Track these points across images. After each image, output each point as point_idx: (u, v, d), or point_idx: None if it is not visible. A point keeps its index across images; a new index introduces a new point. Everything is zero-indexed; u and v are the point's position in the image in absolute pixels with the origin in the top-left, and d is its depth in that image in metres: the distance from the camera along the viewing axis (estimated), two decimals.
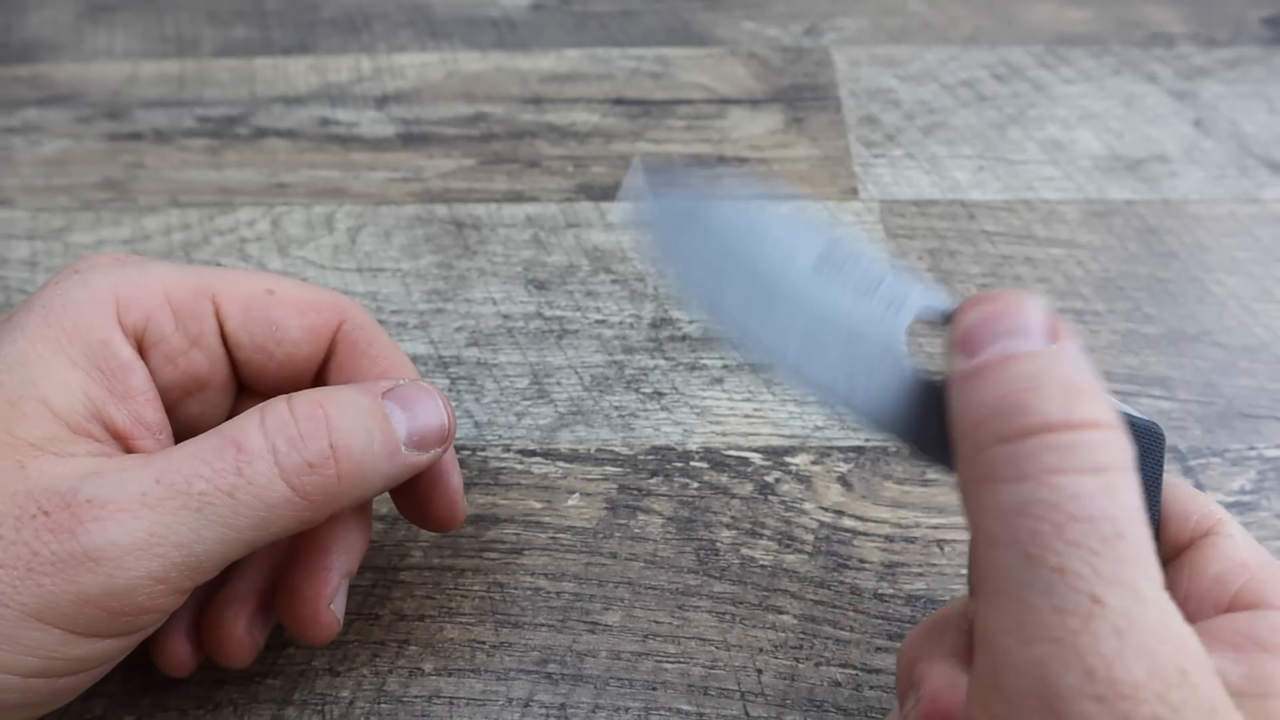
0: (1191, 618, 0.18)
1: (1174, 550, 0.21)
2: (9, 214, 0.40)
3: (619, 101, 0.43)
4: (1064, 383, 0.16)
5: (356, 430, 0.23)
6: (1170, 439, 0.33)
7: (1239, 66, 0.44)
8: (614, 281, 0.37)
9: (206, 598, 0.26)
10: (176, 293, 0.25)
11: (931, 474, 0.32)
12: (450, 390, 0.34)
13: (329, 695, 0.28)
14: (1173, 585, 0.20)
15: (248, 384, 0.27)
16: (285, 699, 0.28)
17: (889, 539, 0.31)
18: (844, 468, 0.32)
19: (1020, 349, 0.17)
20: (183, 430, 0.25)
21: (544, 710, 0.28)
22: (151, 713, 0.28)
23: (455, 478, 0.27)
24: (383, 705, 0.28)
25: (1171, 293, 0.36)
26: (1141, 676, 0.15)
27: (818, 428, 0.33)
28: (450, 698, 0.28)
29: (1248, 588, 0.19)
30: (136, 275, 0.25)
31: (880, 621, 0.29)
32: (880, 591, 0.30)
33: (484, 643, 0.29)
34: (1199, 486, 0.32)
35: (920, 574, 0.30)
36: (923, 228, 0.38)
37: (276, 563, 0.27)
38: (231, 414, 0.27)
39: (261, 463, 0.21)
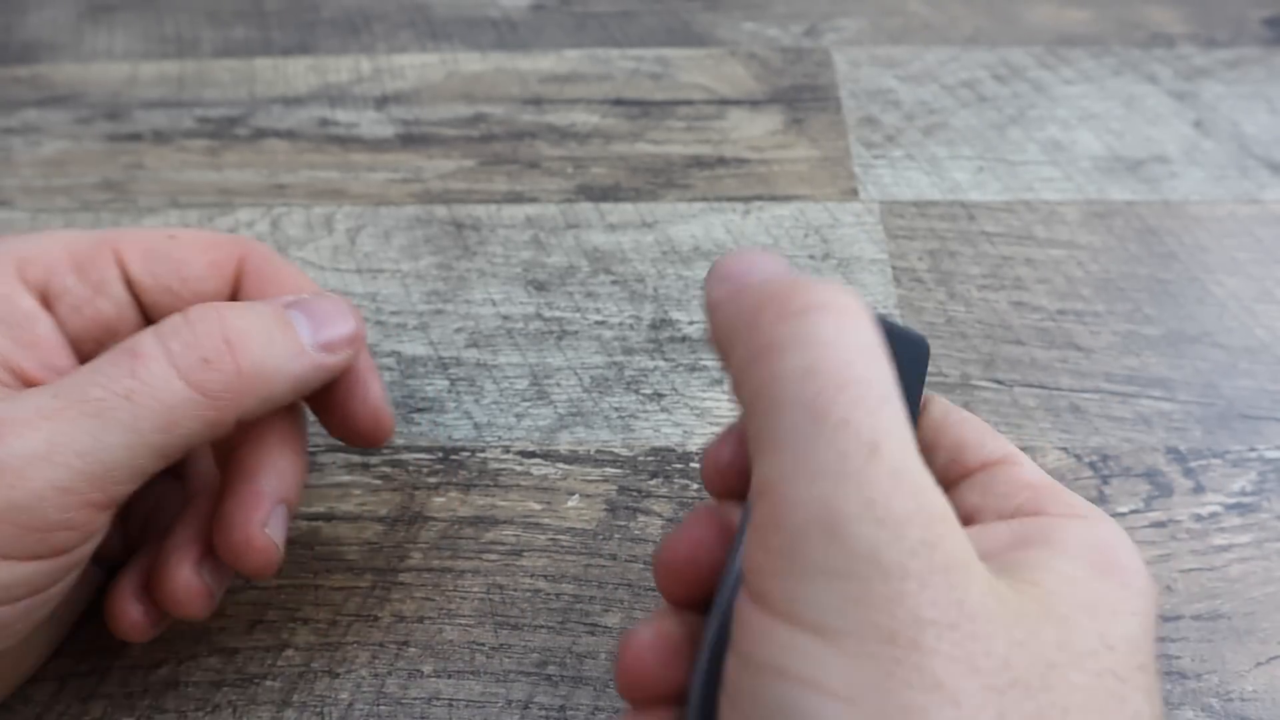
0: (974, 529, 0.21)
1: (965, 473, 0.23)
2: (8, 215, 0.40)
3: (619, 102, 0.43)
4: (827, 282, 0.19)
5: (254, 329, 0.23)
6: (1170, 440, 0.33)
7: (1239, 67, 0.44)
8: (614, 282, 0.37)
9: (155, 552, 0.26)
10: (76, 246, 0.25)
11: None
12: (450, 391, 0.34)
13: (328, 697, 0.28)
14: (963, 503, 0.22)
15: None
16: (284, 700, 0.28)
17: None
18: None
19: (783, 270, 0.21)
20: None
21: (544, 712, 0.28)
22: (150, 714, 0.28)
23: (375, 385, 0.27)
24: (382, 707, 0.28)
25: (1172, 294, 0.36)
26: (912, 509, 0.17)
27: None
28: (450, 699, 0.28)
29: (1029, 502, 0.21)
30: (37, 238, 0.25)
31: None
32: None
33: (483, 644, 0.29)
34: (1199, 488, 0.32)
35: None
36: (923, 228, 0.38)
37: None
38: None
39: (156, 364, 0.22)
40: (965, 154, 0.41)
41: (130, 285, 0.26)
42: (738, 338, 0.19)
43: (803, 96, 0.43)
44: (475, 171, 0.41)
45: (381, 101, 0.43)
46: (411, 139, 0.42)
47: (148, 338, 0.22)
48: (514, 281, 0.37)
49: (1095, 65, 0.44)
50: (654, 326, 0.36)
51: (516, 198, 0.40)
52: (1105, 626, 0.18)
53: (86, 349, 0.26)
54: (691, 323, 0.36)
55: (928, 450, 0.23)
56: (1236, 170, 0.40)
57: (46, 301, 0.25)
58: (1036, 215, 0.39)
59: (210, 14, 0.48)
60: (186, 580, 0.25)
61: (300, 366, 0.24)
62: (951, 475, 0.23)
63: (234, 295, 0.27)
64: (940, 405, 0.25)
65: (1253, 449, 0.32)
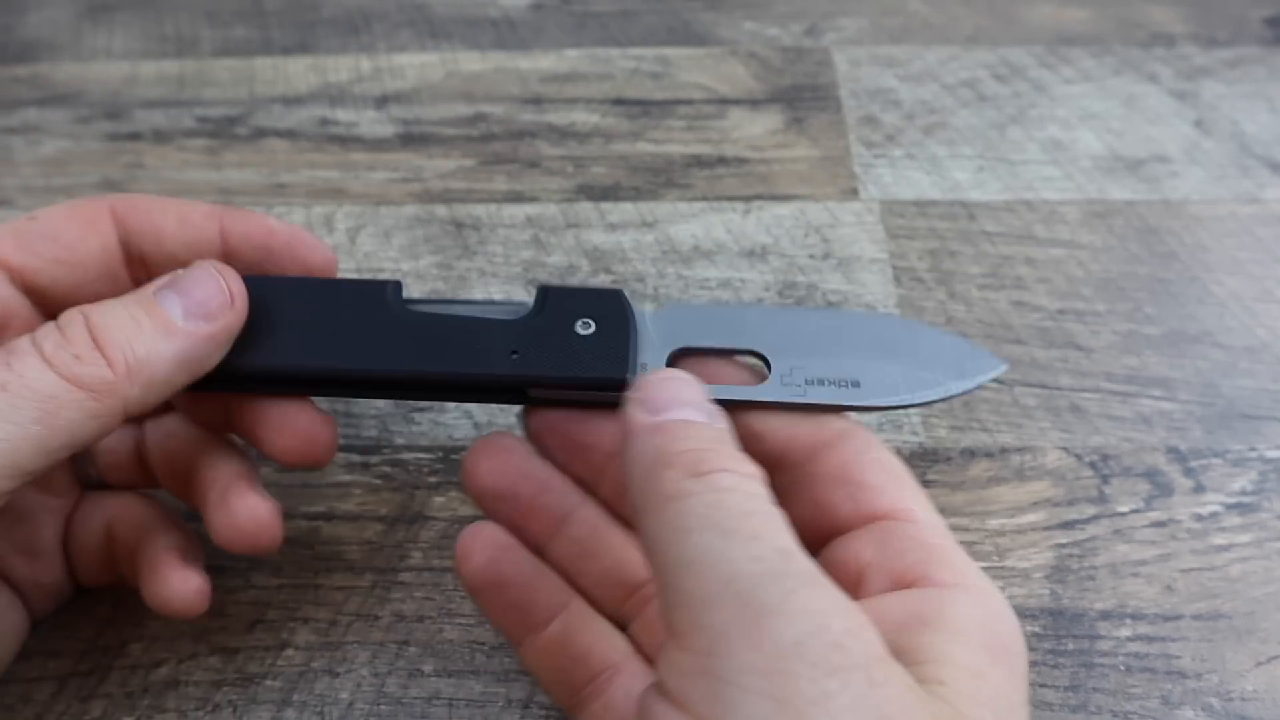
0: (866, 589, 0.22)
1: (861, 518, 0.23)
2: (8, 214, 0.40)
3: (619, 102, 0.43)
4: (727, 448, 0.21)
5: (118, 319, 0.23)
6: (1171, 440, 0.33)
7: (1240, 66, 0.44)
8: (614, 282, 0.37)
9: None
10: None
11: (931, 475, 0.32)
12: None
13: (328, 696, 0.28)
14: (855, 554, 0.23)
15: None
16: (284, 700, 0.28)
17: None
18: None
19: (695, 418, 0.22)
20: None
21: (544, 712, 0.28)
22: (150, 713, 0.28)
23: (309, 409, 0.27)
24: (382, 706, 0.28)
25: (1172, 293, 0.36)
26: (830, 604, 0.18)
27: None
28: (450, 699, 0.28)
29: (919, 564, 0.22)
30: None
31: None
32: None
33: (483, 644, 0.29)
34: (1200, 487, 0.32)
35: None
36: (923, 228, 0.38)
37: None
38: None
39: (30, 358, 0.22)
40: (965, 153, 0.41)
41: (14, 275, 0.26)
42: (652, 471, 0.21)
43: (803, 96, 0.43)
44: (475, 171, 0.41)
45: (381, 101, 0.43)
46: (411, 138, 0.42)
47: (22, 340, 0.23)
48: (514, 281, 0.37)
49: (1095, 65, 0.44)
50: None
51: (516, 197, 0.40)
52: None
53: None
54: None
55: (831, 483, 0.24)
56: (1237, 170, 0.40)
57: None
58: (1037, 215, 0.39)
59: (210, 13, 0.48)
60: (256, 503, 0.26)
61: (175, 345, 0.24)
62: (846, 516, 0.23)
63: (123, 238, 0.27)
64: (859, 441, 0.24)
65: (1253, 449, 0.32)
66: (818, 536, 0.24)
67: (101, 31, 0.47)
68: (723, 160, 0.41)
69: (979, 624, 0.20)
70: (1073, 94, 0.43)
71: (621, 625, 0.26)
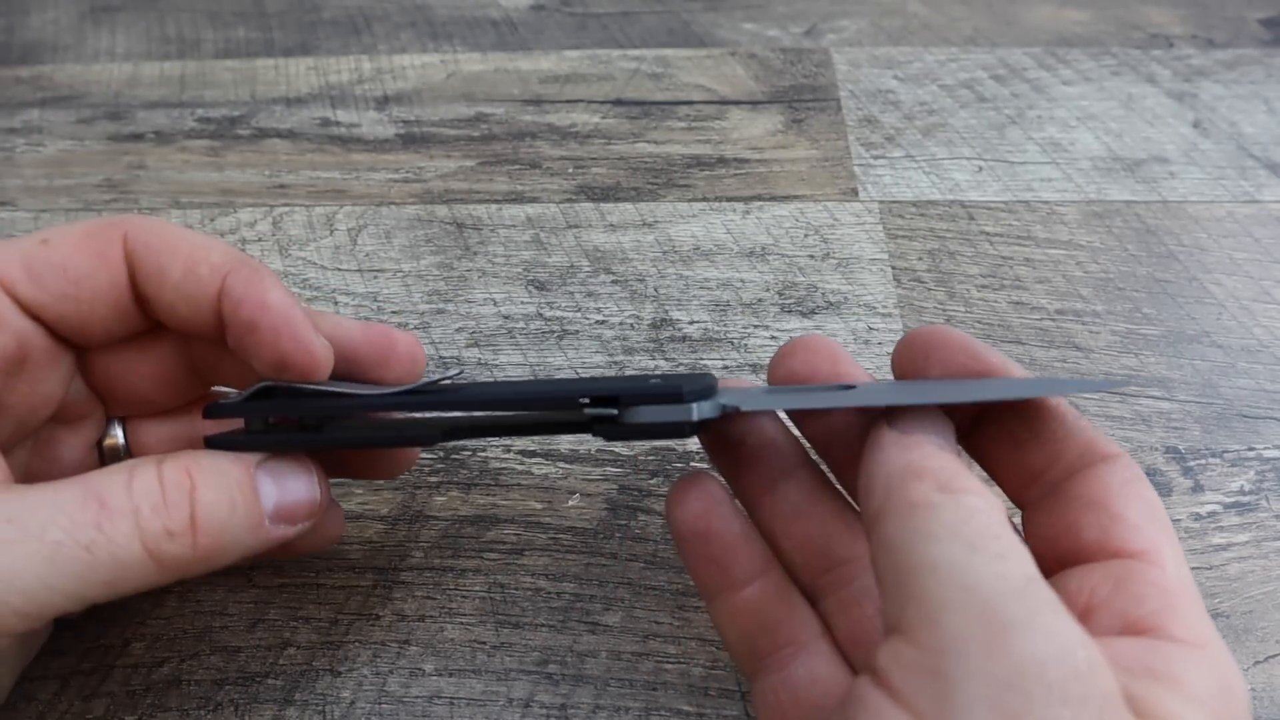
0: (1095, 628, 0.21)
1: (1106, 552, 0.22)
2: (10, 215, 0.40)
3: (619, 102, 0.43)
4: (972, 477, 0.21)
5: (220, 501, 0.23)
6: (1169, 439, 0.33)
7: (1238, 68, 0.44)
8: (614, 282, 0.37)
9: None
10: None
11: None
12: None
13: (330, 695, 0.28)
14: (1092, 589, 0.22)
15: (77, 341, 0.26)
16: (286, 699, 0.28)
17: None
18: None
19: (941, 444, 0.22)
20: (25, 414, 0.25)
21: (544, 711, 0.28)
22: (152, 712, 0.28)
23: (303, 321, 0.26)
24: (384, 705, 0.28)
25: (1170, 294, 0.37)
26: (1076, 634, 0.18)
27: None
28: (451, 698, 0.28)
29: (1157, 614, 0.21)
30: None
31: None
32: None
33: (485, 643, 0.29)
34: (1198, 487, 0.32)
35: None
36: (922, 229, 0.38)
37: None
38: (85, 373, 0.27)
39: (123, 522, 0.21)
40: (965, 154, 0.41)
41: (24, 307, 0.25)
42: (896, 484, 0.20)
43: (803, 97, 0.43)
44: (476, 171, 0.41)
45: (382, 102, 0.43)
46: (412, 139, 0.42)
47: (119, 490, 0.22)
48: (515, 281, 0.37)
49: (1094, 66, 0.44)
50: (654, 326, 0.36)
51: (517, 197, 0.40)
52: None
53: None
54: (692, 322, 0.36)
55: (1083, 507, 0.23)
56: (1235, 170, 0.40)
57: None
58: (1035, 215, 0.39)
59: (211, 14, 0.48)
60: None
61: (255, 539, 0.23)
62: (1089, 545, 0.22)
63: (131, 275, 0.26)
64: (1126, 470, 0.23)
65: (1251, 448, 0.33)
66: (1052, 560, 0.23)
67: (104, 33, 0.47)
68: (723, 161, 0.41)
69: (1212, 691, 0.19)
70: (1071, 95, 0.43)
71: (813, 599, 0.26)
